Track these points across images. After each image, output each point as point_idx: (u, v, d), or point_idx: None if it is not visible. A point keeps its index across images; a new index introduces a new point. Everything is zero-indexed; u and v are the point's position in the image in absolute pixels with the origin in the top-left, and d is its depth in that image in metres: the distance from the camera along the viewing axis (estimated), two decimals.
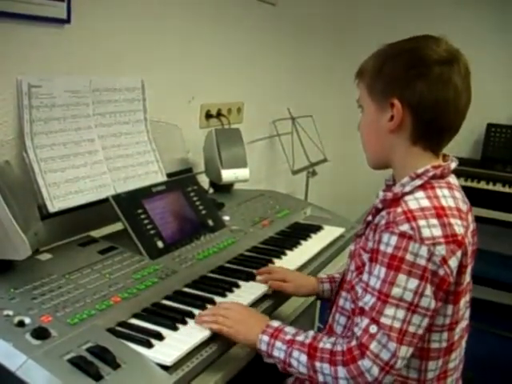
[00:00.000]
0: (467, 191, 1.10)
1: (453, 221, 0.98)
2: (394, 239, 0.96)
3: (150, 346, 1.00)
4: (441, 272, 0.95)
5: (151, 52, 1.82)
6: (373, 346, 0.95)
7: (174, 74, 1.94)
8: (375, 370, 0.94)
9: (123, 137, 1.56)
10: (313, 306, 1.70)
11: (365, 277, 1.03)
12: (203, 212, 1.58)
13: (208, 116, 2.19)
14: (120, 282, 1.18)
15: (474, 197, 1.20)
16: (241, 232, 1.61)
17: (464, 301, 1.05)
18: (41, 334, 0.94)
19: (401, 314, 0.95)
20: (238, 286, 1.28)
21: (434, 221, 0.96)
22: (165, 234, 1.41)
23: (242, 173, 1.95)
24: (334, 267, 1.59)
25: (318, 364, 1.00)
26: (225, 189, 1.99)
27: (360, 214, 2.88)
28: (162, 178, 1.63)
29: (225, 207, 1.77)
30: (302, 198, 2.70)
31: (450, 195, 1.02)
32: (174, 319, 1.09)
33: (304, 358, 1.02)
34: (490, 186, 2.94)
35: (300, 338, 1.05)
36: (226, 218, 1.68)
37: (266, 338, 1.07)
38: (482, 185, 2.95)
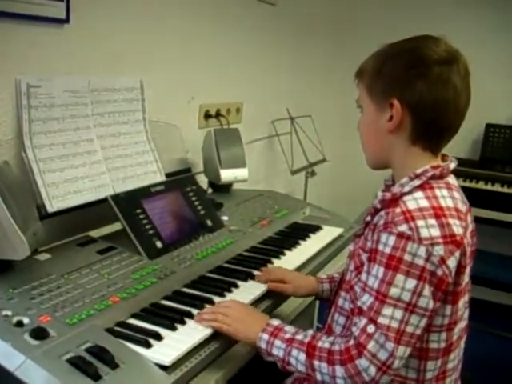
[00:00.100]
0: (466, 191, 1.10)
1: (451, 221, 0.98)
2: (392, 239, 0.96)
3: (148, 346, 1.00)
4: (439, 272, 0.95)
5: (151, 52, 1.82)
6: (370, 345, 0.95)
7: (174, 74, 1.94)
8: (372, 370, 0.95)
9: (122, 137, 1.56)
10: (311, 305, 1.70)
11: (363, 276, 1.03)
12: (202, 212, 1.58)
13: (207, 116, 2.19)
14: (119, 282, 1.19)
15: (473, 197, 1.20)
16: (239, 232, 1.61)
17: (463, 301, 1.05)
18: (39, 334, 0.94)
19: (399, 314, 0.95)
20: (236, 286, 1.28)
21: (433, 221, 0.96)
22: (163, 234, 1.41)
23: (240, 173, 1.95)
24: (332, 267, 1.59)
25: (316, 363, 1.00)
26: (224, 189, 1.99)
27: (359, 214, 2.89)
28: (160, 177, 1.63)
29: (223, 207, 1.77)
30: (300, 198, 2.70)
31: (449, 195, 1.02)
32: (173, 319, 1.09)
33: (303, 356, 1.02)
34: (489, 187, 2.93)
35: (299, 336, 1.05)
36: (225, 218, 1.68)
37: (265, 336, 1.07)
38: (481, 185, 2.94)
